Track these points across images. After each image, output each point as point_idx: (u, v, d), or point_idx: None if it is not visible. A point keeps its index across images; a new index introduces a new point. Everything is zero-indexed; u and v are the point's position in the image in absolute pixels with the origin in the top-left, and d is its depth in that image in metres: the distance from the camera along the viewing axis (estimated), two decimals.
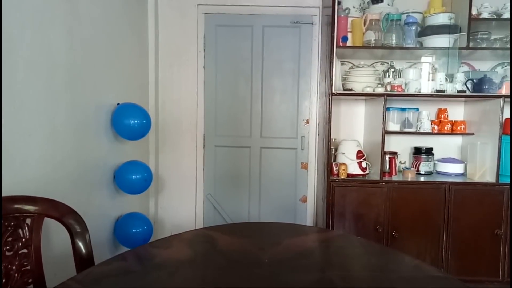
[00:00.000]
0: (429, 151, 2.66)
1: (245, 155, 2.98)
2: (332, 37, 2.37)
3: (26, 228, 1.26)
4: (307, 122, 2.94)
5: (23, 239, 1.25)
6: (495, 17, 2.43)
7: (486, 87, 2.42)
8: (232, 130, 2.97)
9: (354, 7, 2.60)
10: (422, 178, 2.54)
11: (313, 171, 2.96)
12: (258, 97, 2.94)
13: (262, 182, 2.99)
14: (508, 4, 2.39)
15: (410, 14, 2.52)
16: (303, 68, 2.91)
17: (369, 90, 2.47)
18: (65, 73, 1.73)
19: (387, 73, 2.63)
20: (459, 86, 2.46)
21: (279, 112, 2.95)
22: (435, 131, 2.60)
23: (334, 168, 2.50)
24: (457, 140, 2.80)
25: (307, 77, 2.91)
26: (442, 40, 2.43)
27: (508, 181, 2.38)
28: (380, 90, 2.46)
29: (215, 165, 3.00)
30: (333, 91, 2.41)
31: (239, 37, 2.90)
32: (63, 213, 1.31)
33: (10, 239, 1.22)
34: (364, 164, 2.50)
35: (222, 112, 2.96)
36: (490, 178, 2.42)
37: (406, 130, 2.62)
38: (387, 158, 2.55)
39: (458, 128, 2.62)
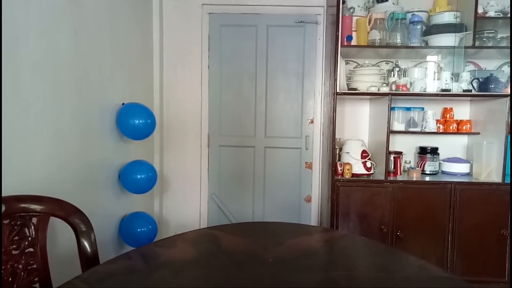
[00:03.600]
0: (434, 151, 2.64)
1: (250, 155, 2.98)
2: (337, 36, 2.36)
3: (32, 227, 1.27)
4: (312, 121, 2.93)
5: (29, 238, 1.26)
6: (502, 15, 2.41)
7: (492, 86, 2.40)
8: (236, 129, 2.97)
9: (358, 6, 2.58)
10: (427, 178, 2.52)
11: (317, 170, 2.96)
12: (263, 97, 2.94)
13: (266, 182, 2.99)
14: None
15: (415, 13, 2.51)
16: (307, 68, 2.90)
17: (374, 90, 2.46)
18: (70, 74, 1.74)
19: (392, 73, 2.61)
20: (464, 85, 2.44)
21: (283, 111, 2.94)
22: (441, 131, 2.58)
23: (339, 168, 2.49)
24: (463, 139, 2.78)
25: (311, 77, 2.91)
26: (448, 39, 2.41)
27: None
28: (385, 89, 2.45)
29: (220, 165, 3.00)
30: (338, 90, 2.40)
31: (243, 36, 2.90)
32: (68, 212, 1.32)
33: (16, 238, 1.23)
34: (368, 164, 2.49)
35: (227, 112, 2.96)
36: (496, 178, 2.40)
37: (411, 129, 2.61)
38: (392, 158, 2.54)
39: (464, 127, 2.60)
